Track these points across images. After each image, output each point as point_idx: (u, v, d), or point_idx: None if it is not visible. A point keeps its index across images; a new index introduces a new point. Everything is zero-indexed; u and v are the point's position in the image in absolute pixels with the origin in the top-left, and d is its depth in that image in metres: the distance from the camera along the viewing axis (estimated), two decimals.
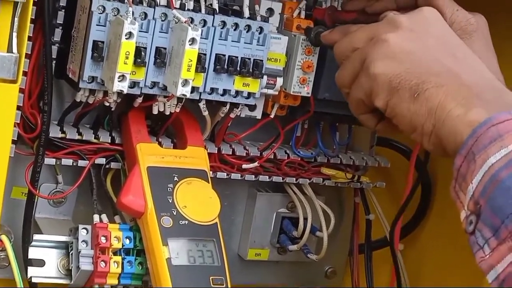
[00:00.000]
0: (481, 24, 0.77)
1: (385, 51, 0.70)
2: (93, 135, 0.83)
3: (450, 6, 0.78)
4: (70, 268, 0.81)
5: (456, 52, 0.71)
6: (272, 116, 0.88)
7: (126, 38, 0.73)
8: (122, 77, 0.74)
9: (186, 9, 0.78)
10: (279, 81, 0.85)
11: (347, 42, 0.76)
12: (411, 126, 0.69)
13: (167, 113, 0.82)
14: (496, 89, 0.68)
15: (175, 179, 0.82)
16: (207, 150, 0.86)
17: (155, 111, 0.82)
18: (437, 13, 0.73)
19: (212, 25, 0.80)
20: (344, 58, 0.76)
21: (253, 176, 0.91)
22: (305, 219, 0.94)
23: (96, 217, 0.82)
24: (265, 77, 0.83)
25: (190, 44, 0.75)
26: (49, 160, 0.81)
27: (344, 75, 0.75)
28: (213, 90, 0.81)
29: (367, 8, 0.84)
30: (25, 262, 0.81)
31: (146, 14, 0.77)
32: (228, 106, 0.84)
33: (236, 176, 0.90)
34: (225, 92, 0.82)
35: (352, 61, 0.74)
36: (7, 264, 0.82)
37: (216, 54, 0.80)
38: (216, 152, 0.88)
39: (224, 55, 0.81)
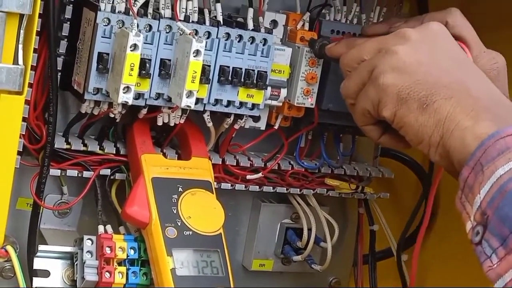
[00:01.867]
0: (501, 64, 0.77)
1: (395, 63, 0.71)
2: (98, 146, 0.83)
3: (477, 46, 0.78)
4: (75, 278, 0.82)
5: (464, 65, 0.72)
6: (276, 127, 0.89)
7: (131, 50, 0.73)
8: (127, 89, 0.74)
9: (190, 21, 0.79)
10: (283, 92, 0.85)
11: (355, 53, 0.76)
12: (418, 137, 0.70)
13: (172, 124, 0.83)
14: (504, 102, 0.69)
15: (179, 190, 0.82)
16: (211, 161, 0.87)
17: (159, 122, 0.82)
18: (445, 28, 0.74)
19: (217, 37, 0.80)
20: (351, 69, 0.76)
21: (257, 186, 0.91)
22: (309, 229, 0.94)
23: (101, 228, 0.82)
24: (269, 88, 0.84)
25: (194, 56, 0.75)
26: (54, 171, 0.82)
27: (350, 85, 0.76)
28: (217, 101, 0.82)
29: (392, 29, 0.83)
30: (30, 273, 0.81)
31: (150, 26, 0.77)
32: (232, 117, 0.84)
33: (240, 186, 0.90)
34: (229, 103, 0.82)
35: (359, 72, 0.75)
36: (12, 275, 0.82)
37: (220, 65, 0.81)
38: (221, 163, 0.89)
39: (228, 67, 0.81)
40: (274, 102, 0.86)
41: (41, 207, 0.82)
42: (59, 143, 0.81)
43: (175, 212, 0.81)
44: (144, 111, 0.81)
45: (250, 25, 0.82)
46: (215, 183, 0.86)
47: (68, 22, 0.79)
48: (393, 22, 0.83)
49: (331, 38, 0.85)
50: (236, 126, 0.86)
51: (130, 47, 0.73)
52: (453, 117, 0.67)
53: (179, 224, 0.80)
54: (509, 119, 0.65)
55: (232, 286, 0.80)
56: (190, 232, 0.80)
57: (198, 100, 0.80)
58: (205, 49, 0.76)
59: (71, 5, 0.78)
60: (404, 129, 0.71)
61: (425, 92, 0.69)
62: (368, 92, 0.73)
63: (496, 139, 0.62)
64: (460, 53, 0.73)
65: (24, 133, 0.77)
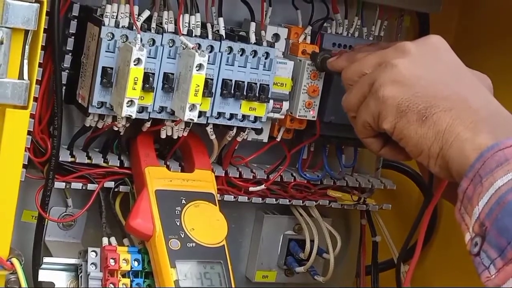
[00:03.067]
0: (487, 86, 0.76)
1: (394, 76, 0.72)
2: (102, 159, 0.84)
3: None
4: None
5: (463, 78, 0.72)
6: (278, 139, 0.89)
7: (135, 64, 0.74)
8: (131, 102, 0.75)
9: (193, 35, 0.79)
10: (285, 105, 0.86)
11: (356, 67, 0.77)
12: (418, 148, 0.70)
13: (175, 137, 0.83)
14: (503, 114, 0.69)
15: (182, 202, 0.83)
16: (214, 173, 0.87)
17: (163, 135, 0.83)
18: (444, 41, 0.75)
19: (219, 51, 0.81)
20: (352, 83, 0.77)
21: (260, 198, 0.92)
22: (312, 241, 0.94)
23: (105, 240, 0.83)
24: (271, 101, 0.84)
25: (197, 70, 0.76)
26: (59, 184, 0.82)
27: (352, 98, 0.77)
28: (220, 114, 0.83)
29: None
30: (35, 285, 0.82)
31: (154, 41, 0.78)
32: (235, 130, 0.85)
33: (243, 198, 0.91)
34: (232, 116, 0.83)
35: (360, 85, 0.76)
36: (17, 287, 0.83)
37: (223, 79, 0.82)
38: (223, 175, 0.89)
39: (231, 80, 0.82)
40: (276, 115, 0.86)
41: (46, 220, 0.82)
42: (64, 156, 0.82)
43: (178, 224, 0.81)
44: (148, 124, 0.82)
45: (253, 39, 0.83)
46: (218, 195, 0.86)
47: (73, 37, 0.80)
48: (382, 45, 0.83)
49: (332, 52, 0.86)
50: (239, 139, 0.86)
51: (134, 61, 0.74)
52: (453, 128, 0.68)
53: (182, 236, 0.81)
54: (508, 130, 0.66)
55: None
56: (194, 244, 0.81)
57: (201, 113, 0.80)
58: (207, 63, 0.77)
59: (76, 20, 0.79)
60: (404, 141, 0.71)
61: (425, 105, 0.69)
62: (369, 104, 0.74)
63: (495, 151, 0.63)
64: (459, 66, 0.73)
65: (29, 147, 0.78)
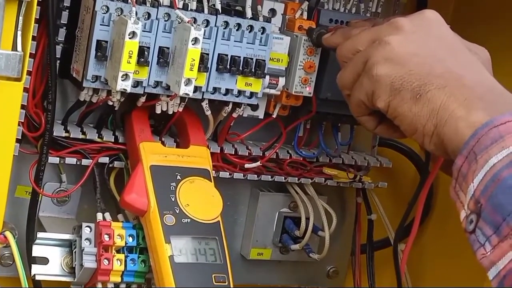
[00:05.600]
0: (484, 58, 0.76)
1: (388, 53, 0.71)
2: (97, 134, 0.84)
3: None
4: (74, 266, 0.82)
5: (458, 54, 0.71)
6: (274, 116, 0.89)
7: (130, 38, 0.74)
8: (126, 76, 0.74)
9: (189, 9, 0.79)
10: (281, 81, 0.85)
11: (350, 44, 0.77)
12: (412, 127, 0.70)
13: (170, 112, 0.83)
14: (498, 91, 0.69)
15: (177, 178, 0.82)
16: (209, 149, 0.87)
17: (158, 111, 0.82)
18: (439, 16, 0.74)
19: (215, 25, 0.80)
20: (346, 60, 0.77)
21: (256, 175, 0.91)
22: (307, 218, 0.94)
23: (99, 215, 0.82)
24: (267, 77, 0.84)
25: (193, 44, 0.75)
26: (53, 159, 0.82)
27: (346, 76, 0.76)
28: (215, 89, 0.82)
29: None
30: (29, 260, 0.82)
31: (149, 14, 0.77)
32: (230, 106, 0.85)
33: (238, 175, 0.90)
34: (227, 91, 0.83)
35: (354, 63, 0.75)
36: (11, 263, 0.83)
37: (218, 54, 0.81)
38: (219, 151, 0.89)
39: (227, 55, 0.81)
40: (272, 91, 0.86)
41: (40, 195, 0.82)
42: (58, 131, 0.81)
43: (173, 199, 0.81)
44: (143, 99, 0.81)
45: (249, 13, 0.82)
46: (214, 171, 0.86)
47: (67, 10, 0.79)
48: (377, 21, 0.83)
49: (328, 27, 0.85)
50: (235, 115, 0.86)
51: (129, 35, 0.74)
52: (447, 106, 0.67)
53: (177, 212, 0.81)
54: (503, 107, 0.65)
55: (230, 273, 0.80)
56: (188, 220, 0.81)
57: (196, 88, 0.80)
58: (203, 37, 0.76)
59: None
60: (398, 119, 0.71)
61: (418, 82, 0.69)
62: (363, 83, 0.73)
63: (489, 128, 0.62)
64: (454, 41, 0.73)
65: (23, 121, 0.77)
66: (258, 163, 0.90)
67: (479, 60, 0.73)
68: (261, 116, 0.88)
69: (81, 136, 0.83)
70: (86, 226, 0.82)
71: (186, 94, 0.77)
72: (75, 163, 0.83)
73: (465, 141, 0.64)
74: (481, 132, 0.63)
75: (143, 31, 0.76)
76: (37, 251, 0.82)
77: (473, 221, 0.61)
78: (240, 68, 0.82)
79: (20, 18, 0.71)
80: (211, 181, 0.84)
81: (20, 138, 0.78)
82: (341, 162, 0.95)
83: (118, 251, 0.81)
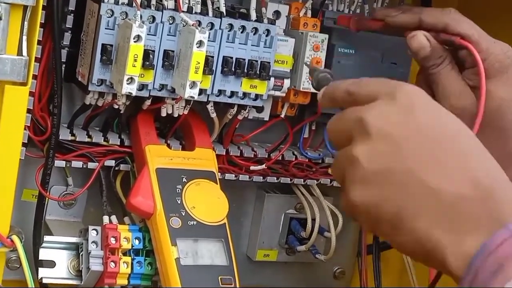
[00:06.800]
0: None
1: (359, 173, 0.61)
2: (103, 138, 0.84)
3: (485, 39, 0.75)
4: (80, 269, 0.82)
5: (443, 146, 0.59)
6: (282, 115, 0.89)
7: (135, 41, 0.74)
8: (131, 80, 0.75)
9: (193, 12, 0.79)
10: (286, 83, 0.86)
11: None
12: (403, 252, 0.61)
13: (176, 115, 0.83)
14: (488, 191, 0.57)
15: (183, 180, 0.82)
16: (215, 151, 0.87)
17: (163, 113, 0.83)
18: (419, 95, 0.61)
19: (220, 28, 0.80)
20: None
21: (261, 177, 0.91)
22: (313, 220, 0.94)
23: (105, 218, 0.83)
24: (272, 79, 0.84)
25: (197, 47, 0.76)
26: (59, 163, 0.82)
27: (335, 173, 0.65)
28: (220, 92, 0.82)
29: (388, 18, 0.82)
30: (36, 263, 0.82)
31: (154, 18, 0.78)
32: (235, 108, 0.85)
33: (244, 177, 0.90)
34: (232, 94, 0.83)
35: (338, 163, 0.64)
36: (18, 266, 0.83)
37: (223, 56, 0.81)
38: (224, 153, 0.89)
39: (232, 58, 0.81)
40: (277, 93, 0.86)
41: (47, 198, 0.82)
42: (64, 135, 0.82)
43: (179, 202, 0.81)
44: (148, 102, 0.81)
45: (253, 16, 0.82)
46: (219, 173, 0.86)
47: (72, 14, 0.79)
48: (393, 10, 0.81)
49: (338, 17, 0.85)
50: (240, 117, 0.86)
51: (134, 38, 0.74)
52: (430, 236, 0.57)
53: (183, 214, 0.81)
54: (496, 214, 0.56)
55: (236, 275, 0.81)
56: (194, 222, 0.81)
57: (201, 91, 0.80)
58: (208, 40, 0.76)
59: None
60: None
61: (393, 210, 0.59)
62: (344, 204, 0.63)
63: (485, 256, 0.54)
64: (438, 126, 0.60)
65: (29, 125, 0.77)
66: (264, 166, 0.90)
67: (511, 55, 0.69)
68: (266, 118, 0.89)
69: (87, 140, 0.83)
70: (93, 229, 0.82)
71: (191, 97, 0.77)
72: (81, 167, 0.83)
73: (461, 276, 0.56)
74: (476, 263, 0.55)
75: (148, 34, 0.76)
76: (44, 254, 0.82)
77: None
78: (245, 71, 0.82)
79: (25, 22, 0.71)
80: (216, 183, 0.84)
81: (26, 142, 0.78)
82: None
83: (124, 254, 0.81)
